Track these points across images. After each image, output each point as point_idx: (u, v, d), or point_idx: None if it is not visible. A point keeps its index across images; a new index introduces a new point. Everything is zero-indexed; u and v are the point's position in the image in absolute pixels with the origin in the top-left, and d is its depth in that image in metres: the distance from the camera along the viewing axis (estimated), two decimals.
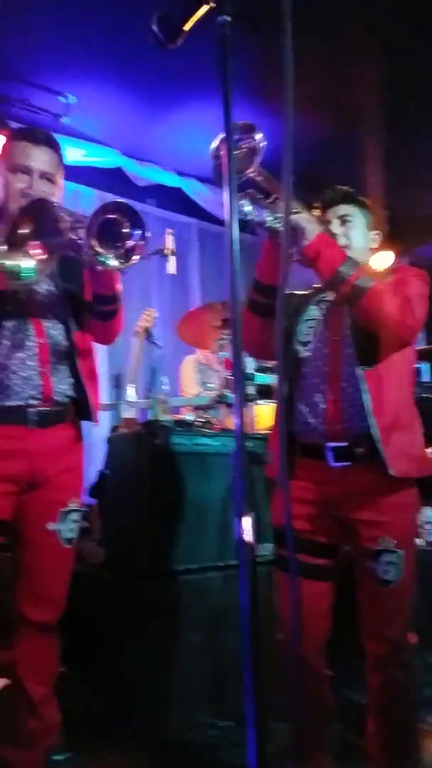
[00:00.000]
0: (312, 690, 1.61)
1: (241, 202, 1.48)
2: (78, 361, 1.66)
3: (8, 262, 1.41)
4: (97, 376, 1.76)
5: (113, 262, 1.46)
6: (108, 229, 1.43)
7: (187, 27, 1.11)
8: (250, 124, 1.50)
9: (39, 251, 1.43)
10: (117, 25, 3.44)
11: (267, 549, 2.34)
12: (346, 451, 1.61)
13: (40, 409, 1.59)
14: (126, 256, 1.46)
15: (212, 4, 1.04)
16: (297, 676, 1.47)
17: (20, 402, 1.56)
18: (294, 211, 1.59)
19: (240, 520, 0.82)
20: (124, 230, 1.46)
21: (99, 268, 1.48)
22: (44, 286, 1.66)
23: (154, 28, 1.13)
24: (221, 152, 1.52)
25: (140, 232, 1.46)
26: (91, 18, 3.36)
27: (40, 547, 1.59)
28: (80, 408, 1.67)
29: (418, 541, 2.15)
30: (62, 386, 1.64)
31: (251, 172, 1.54)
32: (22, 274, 1.41)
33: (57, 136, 4.39)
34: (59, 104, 3.99)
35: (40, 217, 1.45)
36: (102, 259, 1.44)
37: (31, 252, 1.42)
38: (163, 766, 1.91)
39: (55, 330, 1.64)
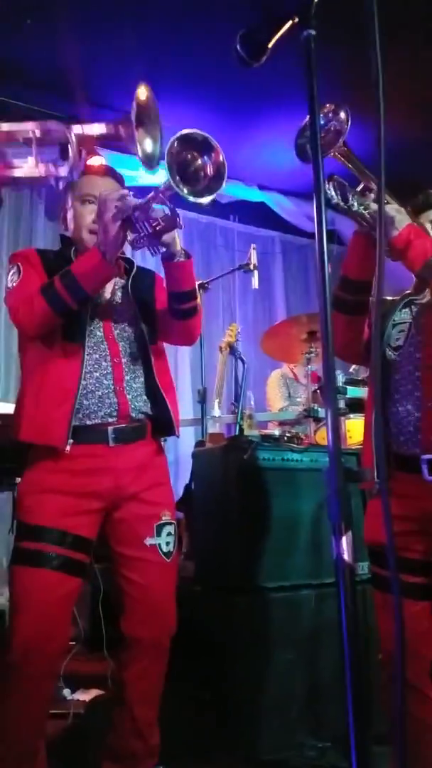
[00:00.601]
0: (415, 712, 1.53)
1: (327, 186, 1.45)
2: (155, 375, 1.67)
3: None
4: (174, 389, 1.77)
5: (205, 198, 1.43)
6: (185, 170, 1.41)
7: (271, 44, 1.11)
8: (336, 105, 1.49)
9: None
10: (198, 44, 3.52)
11: (363, 567, 2.27)
12: None
13: (118, 426, 1.62)
14: (211, 185, 1.43)
15: (296, 19, 1.03)
16: (402, 699, 1.40)
17: (98, 421, 1.60)
18: (384, 202, 1.56)
19: (337, 538, 0.79)
20: (198, 162, 1.43)
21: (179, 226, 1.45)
22: (117, 301, 1.70)
23: (238, 47, 1.13)
24: (308, 132, 1.52)
25: (212, 153, 1.42)
26: (172, 37, 3.45)
27: (143, 564, 1.60)
28: (160, 422, 1.68)
29: None
30: (138, 403, 1.66)
31: (335, 153, 1.53)
32: None
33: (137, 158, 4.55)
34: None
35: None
36: (192, 198, 1.40)
37: None
38: None
39: (129, 347, 1.68)
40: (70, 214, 1.73)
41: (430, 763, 1.58)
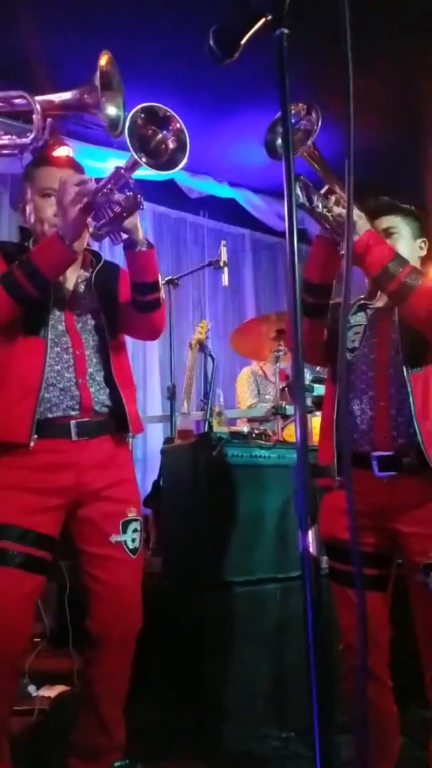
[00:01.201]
0: (377, 700, 1.57)
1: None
2: (113, 370, 1.66)
3: None
4: (132, 385, 1.75)
5: (171, 171, 1.44)
6: (146, 146, 1.41)
7: (243, 41, 1.11)
8: (307, 105, 1.51)
9: None
10: (169, 39, 3.50)
11: (324, 561, 2.33)
12: (391, 461, 1.57)
13: (81, 420, 1.60)
14: (175, 157, 1.43)
15: (269, 17, 1.03)
16: (363, 686, 1.43)
17: (60, 414, 1.58)
18: (345, 205, 1.58)
19: (304, 532, 0.80)
20: (158, 136, 1.42)
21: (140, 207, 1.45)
22: (80, 293, 1.69)
23: (211, 42, 1.13)
24: (277, 128, 1.54)
25: (171, 126, 1.42)
26: (144, 32, 3.42)
27: (108, 561, 1.59)
28: (118, 418, 1.67)
29: None
30: (101, 396, 1.64)
31: (303, 153, 1.54)
32: None
33: (108, 150, 4.49)
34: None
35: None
36: (157, 171, 1.41)
37: None
38: None
39: (91, 340, 1.66)
40: (29, 207, 1.69)
41: (390, 747, 1.63)
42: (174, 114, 1.42)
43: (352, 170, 0.90)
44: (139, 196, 1.46)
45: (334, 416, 1.66)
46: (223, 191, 4.97)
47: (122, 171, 1.44)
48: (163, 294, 1.73)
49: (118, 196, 1.47)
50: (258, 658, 2.17)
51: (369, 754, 1.54)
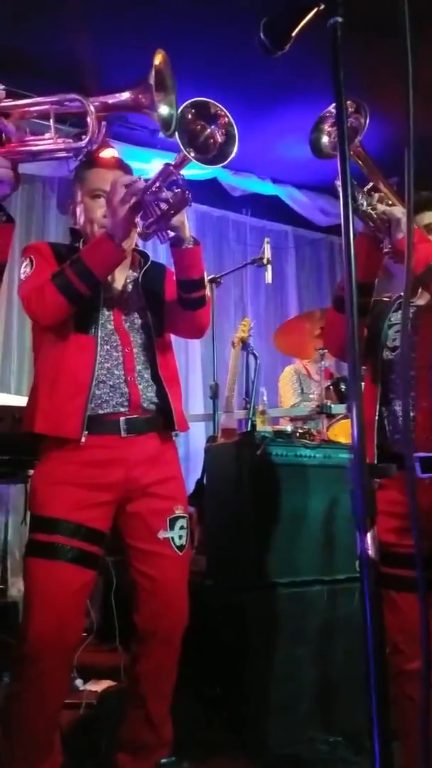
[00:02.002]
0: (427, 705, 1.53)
1: (337, 182, 1.44)
2: (159, 367, 1.67)
3: None
4: (178, 383, 1.76)
5: (220, 164, 1.46)
6: (194, 141, 1.42)
7: (295, 32, 1.09)
8: (355, 102, 1.48)
9: None
10: (212, 33, 3.49)
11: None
12: None
13: (130, 417, 1.61)
14: (224, 150, 1.44)
15: (321, 6, 1.01)
16: (426, 694, 1.39)
17: (109, 410, 1.60)
18: (389, 203, 1.55)
19: (362, 534, 0.78)
20: (207, 131, 1.44)
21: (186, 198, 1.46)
22: (128, 293, 1.70)
23: (261, 35, 1.12)
24: (322, 125, 1.52)
25: (220, 121, 1.43)
26: (186, 26, 3.42)
27: (156, 557, 1.60)
28: (165, 415, 1.67)
29: None
30: (149, 393, 1.65)
31: (350, 152, 1.51)
32: None
33: (152, 151, 4.52)
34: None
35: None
36: (206, 165, 1.43)
37: None
38: None
39: (138, 338, 1.67)
40: (79, 209, 1.72)
41: None
42: (222, 108, 1.42)
43: (412, 163, 0.88)
44: (187, 192, 1.46)
45: (375, 417, 1.62)
46: (266, 188, 4.93)
47: (171, 168, 1.44)
48: (208, 291, 1.73)
49: (166, 194, 1.47)
50: (303, 660, 2.14)
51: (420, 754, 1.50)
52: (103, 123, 1.37)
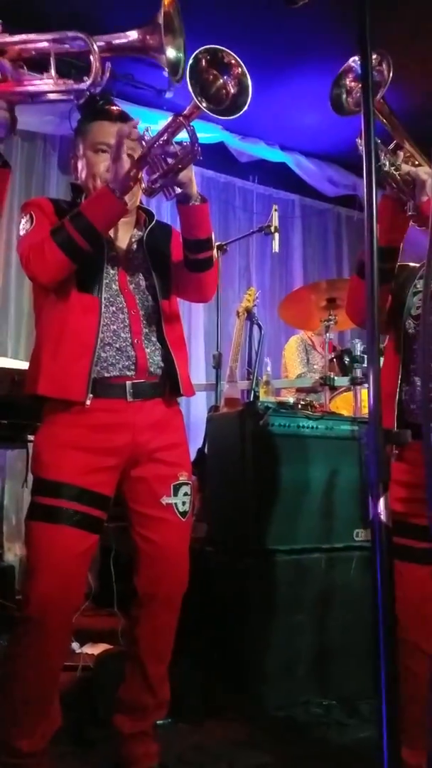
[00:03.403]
0: (417, 670, 1.54)
1: (358, 140, 1.39)
2: (165, 331, 1.63)
3: None
4: (185, 347, 1.73)
5: (233, 115, 1.39)
6: (207, 92, 1.37)
7: None
8: (379, 54, 1.42)
9: None
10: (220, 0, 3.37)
11: (358, 534, 2.32)
12: None
13: (137, 381, 1.59)
14: (237, 102, 1.39)
15: None
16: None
17: (116, 373, 1.57)
18: (415, 163, 1.50)
19: (375, 500, 0.77)
20: (219, 81, 1.38)
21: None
22: (132, 253, 1.66)
23: None
24: (344, 81, 1.46)
25: (233, 71, 1.37)
26: None
27: (158, 522, 1.60)
28: (171, 380, 1.64)
29: None
30: (156, 357, 1.62)
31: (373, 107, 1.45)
32: None
33: (159, 112, 4.40)
34: (162, 79, 4.00)
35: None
36: (219, 116, 1.38)
37: None
38: (263, 738, 1.91)
39: (145, 300, 1.64)
40: (81, 163, 1.66)
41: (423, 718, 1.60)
42: (237, 57, 1.36)
43: None
44: (196, 145, 1.41)
45: (397, 388, 1.60)
46: (274, 155, 4.83)
47: (180, 118, 1.39)
48: (215, 253, 1.68)
49: (174, 147, 1.43)
50: (300, 626, 2.18)
51: (416, 725, 1.52)
52: (108, 64, 1.31)
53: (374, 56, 1.41)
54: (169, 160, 1.45)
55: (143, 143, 1.45)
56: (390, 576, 0.75)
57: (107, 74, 1.32)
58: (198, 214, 1.57)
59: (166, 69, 1.37)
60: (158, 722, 1.69)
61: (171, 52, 1.36)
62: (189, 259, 1.63)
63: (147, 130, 1.46)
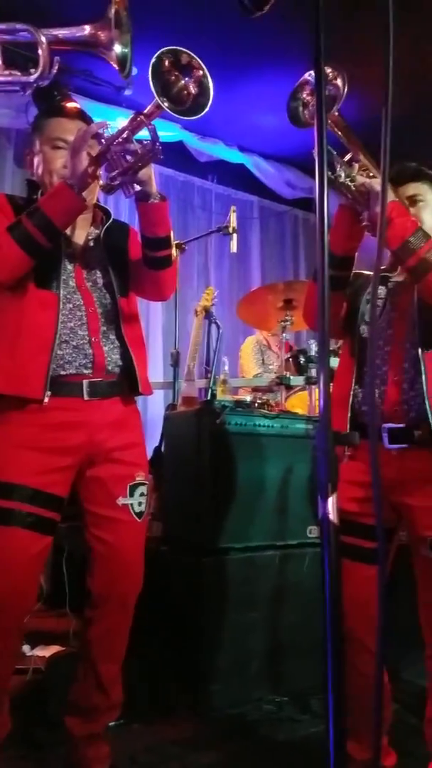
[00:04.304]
0: (363, 669, 1.57)
1: (314, 151, 1.42)
2: (123, 329, 1.63)
3: None
4: (143, 345, 1.72)
5: (195, 116, 1.40)
6: (168, 92, 1.37)
7: None
8: (335, 69, 1.45)
9: None
10: None
11: (312, 531, 2.34)
12: (402, 433, 1.56)
13: (94, 380, 1.57)
14: (198, 102, 1.39)
15: None
16: (380, 665, 1.43)
17: (72, 371, 1.55)
18: (369, 174, 1.53)
19: (324, 499, 0.78)
20: (181, 82, 1.39)
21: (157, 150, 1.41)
22: (89, 250, 1.65)
23: None
24: (300, 94, 1.48)
25: (194, 73, 1.38)
26: None
27: (113, 523, 1.58)
28: (129, 379, 1.64)
29: None
30: (114, 356, 1.61)
31: (328, 119, 1.49)
32: None
33: (117, 109, 4.36)
34: (120, 76, 3.96)
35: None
36: (181, 116, 1.39)
37: None
38: (215, 737, 1.92)
39: (102, 298, 1.63)
40: (37, 159, 1.64)
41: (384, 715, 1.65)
42: (198, 59, 1.36)
43: (389, 136, 0.85)
44: (157, 143, 1.40)
45: (351, 391, 1.63)
46: (233, 156, 4.84)
47: (141, 117, 1.38)
48: (174, 252, 1.68)
49: (134, 145, 1.42)
50: (253, 624, 2.20)
51: (363, 722, 1.55)
52: (57, 58, 1.30)
53: (330, 71, 1.44)
54: (129, 158, 1.44)
55: (102, 141, 1.44)
56: (338, 575, 0.77)
57: (55, 67, 1.30)
58: (157, 212, 1.57)
59: (115, 65, 1.36)
60: (110, 723, 1.68)
61: (118, 48, 1.36)
62: (148, 257, 1.62)
63: (107, 128, 1.45)
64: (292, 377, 2.88)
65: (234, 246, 3.13)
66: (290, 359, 3.10)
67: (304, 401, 3.05)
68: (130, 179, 1.48)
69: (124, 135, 1.42)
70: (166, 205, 1.58)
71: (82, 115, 1.66)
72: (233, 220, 3.11)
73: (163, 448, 2.66)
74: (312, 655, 2.19)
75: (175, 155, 4.46)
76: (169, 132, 4.38)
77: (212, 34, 3.52)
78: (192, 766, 1.75)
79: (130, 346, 1.63)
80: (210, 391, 2.57)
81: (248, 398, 2.58)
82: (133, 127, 1.41)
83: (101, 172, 1.51)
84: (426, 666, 1.59)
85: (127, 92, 4.34)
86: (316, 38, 0.94)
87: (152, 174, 1.52)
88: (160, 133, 1.42)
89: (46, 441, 1.51)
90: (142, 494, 1.62)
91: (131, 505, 1.59)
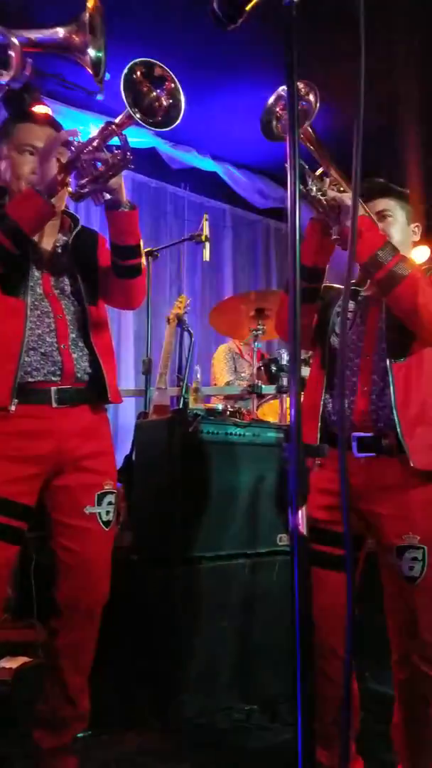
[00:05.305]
0: (332, 674, 1.59)
1: (287, 165, 1.44)
2: (92, 337, 1.62)
3: None
4: (113, 353, 1.72)
5: (167, 128, 1.41)
6: (140, 103, 1.38)
7: (249, 6, 1.06)
8: (307, 85, 1.47)
9: None
10: (157, 6, 3.38)
11: (283, 539, 2.36)
12: (371, 442, 1.59)
13: (62, 387, 1.57)
14: (170, 114, 1.40)
15: None
16: (348, 671, 1.45)
17: (40, 378, 1.54)
18: (340, 189, 1.56)
19: (294, 510, 0.80)
20: (153, 93, 1.40)
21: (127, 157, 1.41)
22: (57, 257, 1.64)
23: (215, 6, 1.09)
24: (274, 108, 1.51)
25: (167, 85, 1.39)
26: None
27: (80, 532, 1.57)
28: (98, 387, 1.63)
29: None
30: (83, 363, 1.61)
31: (300, 134, 1.51)
32: None
33: (89, 114, 4.34)
34: (94, 81, 3.95)
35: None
36: (152, 128, 1.40)
37: None
38: (185, 746, 1.92)
39: (71, 305, 1.62)
40: (5, 164, 1.63)
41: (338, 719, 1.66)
42: (170, 72, 1.38)
43: (360, 152, 0.88)
44: (128, 153, 1.41)
45: (321, 402, 1.65)
46: (206, 164, 4.87)
47: (113, 126, 1.39)
48: (144, 260, 1.69)
49: (105, 154, 1.43)
50: (223, 632, 2.20)
51: (332, 729, 1.57)
52: (29, 60, 1.30)
53: (302, 86, 1.47)
54: (99, 167, 1.45)
55: (72, 148, 1.44)
56: (308, 582, 0.78)
57: (27, 70, 1.30)
58: (127, 220, 1.57)
59: (89, 68, 1.37)
60: (79, 735, 1.66)
61: (92, 52, 1.36)
62: (117, 266, 1.62)
63: (77, 135, 1.46)
64: (263, 386, 2.90)
65: (207, 254, 3.15)
66: (262, 368, 3.13)
67: (275, 410, 3.07)
68: (100, 187, 1.48)
69: (95, 144, 1.43)
70: (136, 213, 1.59)
71: (52, 122, 1.66)
72: (206, 228, 3.12)
73: (134, 457, 2.65)
74: (281, 663, 2.21)
75: (148, 161, 4.47)
76: (142, 138, 4.38)
77: (187, 44, 3.55)
78: None
79: (99, 354, 1.63)
80: (182, 399, 2.57)
81: (220, 406, 2.59)
82: (104, 136, 1.42)
83: (70, 179, 1.51)
84: (394, 673, 1.61)
85: (99, 97, 4.33)
86: (289, 57, 0.96)
87: (122, 182, 1.53)
88: (133, 139, 1.43)
89: (12, 450, 1.50)
90: (110, 503, 1.61)
91: (99, 513, 1.59)
